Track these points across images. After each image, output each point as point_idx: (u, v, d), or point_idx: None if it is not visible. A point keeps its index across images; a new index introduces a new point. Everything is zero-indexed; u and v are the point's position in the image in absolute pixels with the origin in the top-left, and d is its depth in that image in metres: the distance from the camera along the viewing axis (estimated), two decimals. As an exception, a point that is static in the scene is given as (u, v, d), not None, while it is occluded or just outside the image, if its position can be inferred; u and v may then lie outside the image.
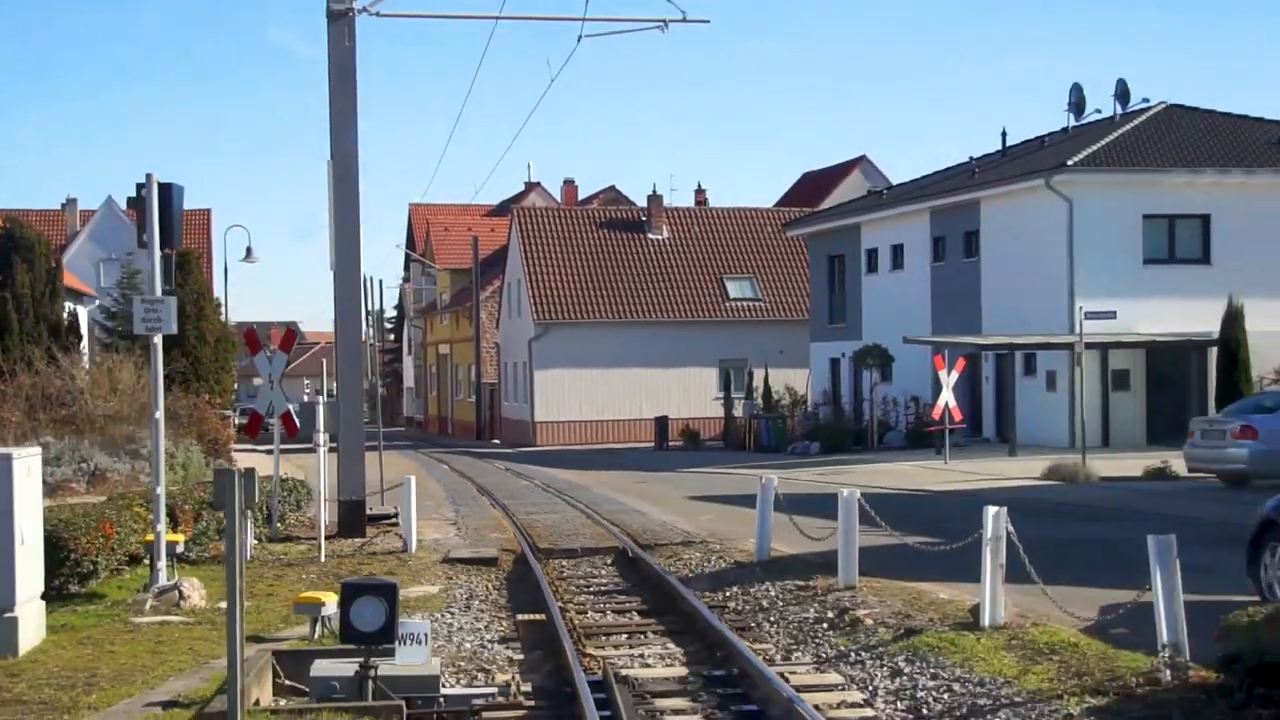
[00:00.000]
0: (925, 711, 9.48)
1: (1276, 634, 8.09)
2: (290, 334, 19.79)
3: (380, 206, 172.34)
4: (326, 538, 18.46)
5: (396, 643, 9.94)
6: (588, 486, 30.20)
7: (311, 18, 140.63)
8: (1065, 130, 43.89)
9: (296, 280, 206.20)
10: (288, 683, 10.52)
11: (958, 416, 33.43)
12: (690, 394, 52.11)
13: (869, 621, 12.28)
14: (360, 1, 19.23)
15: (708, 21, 25.34)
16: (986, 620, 11.42)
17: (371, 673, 9.79)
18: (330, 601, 11.82)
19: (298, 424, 19.06)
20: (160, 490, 14.65)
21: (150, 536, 14.58)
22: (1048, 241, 36.96)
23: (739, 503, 22.84)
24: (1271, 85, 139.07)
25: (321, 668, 10.12)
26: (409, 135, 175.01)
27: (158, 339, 14.91)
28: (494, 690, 10.46)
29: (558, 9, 51.70)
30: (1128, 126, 40.18)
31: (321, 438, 18.17)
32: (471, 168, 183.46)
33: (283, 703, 10.06)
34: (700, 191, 70.16)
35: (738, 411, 47.90)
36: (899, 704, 9.75)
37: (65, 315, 36.18)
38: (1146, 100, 42.53)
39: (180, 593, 13.65)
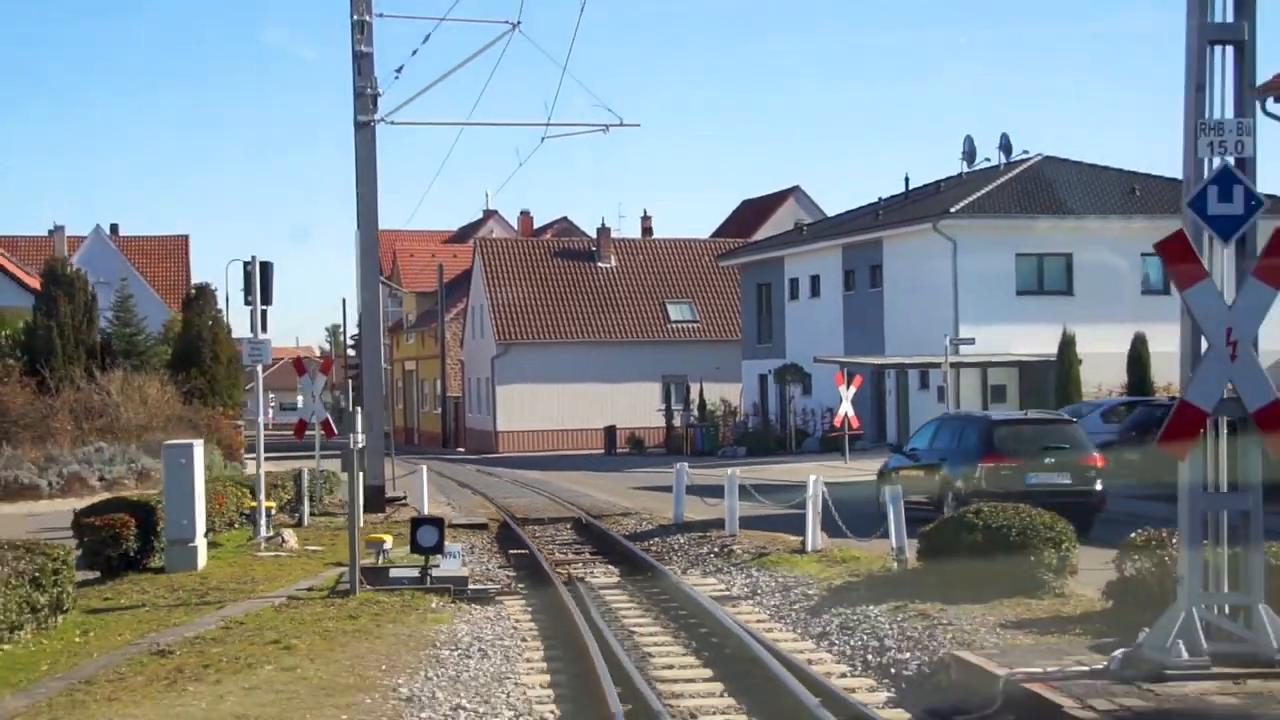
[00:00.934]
0: (759, 590, 16.27)
1: (941, 533, 14.88)
2: (328, 361, 26.46)
3: (346, 230, 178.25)
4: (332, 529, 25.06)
5: (451, 556, 16.68)
6: (548, 482, 36.87)
7: (309, 22, 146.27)
8: (959, 176, 51.00)
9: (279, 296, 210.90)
10: (369, 587, 17.15)
11: (855, 425, 40.31)
12: (636, 406, 58.80)
13: (738, 551, 19.08)
14: (379, 114, 25.91)
15: (638, 125, 32.12)
16: (809, 548, 18.25)
17: (431, 570, 16.48)
18: (387, 540, 18.41)
19: (335, 429, 25.68)
20: (260, 473, 21.27)
21: (251, 504, 21.20)
22: (936, 275, 43.96)
23: (669, 491, 29.54)
24: (1139, 135, 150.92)
25: (396, 573, 16.81)
26: (387, 177, 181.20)
27: (259, 367, 21.50)
28: (501, 585, 17.18)
29: (526, 112, 58.29)
30: (1009, 175, 47.30)
31: (359, 437, 24.76)
32: (441, 204, 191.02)
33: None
34: (646, 218, 77.11)
35: (677, 421, 54.70)
36: (746, 589, 16.52)
37: (99, 340, 42.47)
38: (1026, 152, 49.74)
39: (282, 539, 20.29)
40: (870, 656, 12.20)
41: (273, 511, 21.81)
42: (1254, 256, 9.86)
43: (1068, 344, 38.56)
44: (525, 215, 78.16)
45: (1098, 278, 43.86)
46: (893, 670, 11.66)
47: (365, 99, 25.77)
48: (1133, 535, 12.52)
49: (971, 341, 37.24)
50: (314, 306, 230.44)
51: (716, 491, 24.77)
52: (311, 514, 25.46)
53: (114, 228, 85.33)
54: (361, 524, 23.43)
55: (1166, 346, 34.35)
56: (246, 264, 21.46)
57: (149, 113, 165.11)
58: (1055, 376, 38.79)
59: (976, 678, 10.47)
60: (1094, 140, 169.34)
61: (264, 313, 21.48)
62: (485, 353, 61.58)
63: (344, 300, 36.41)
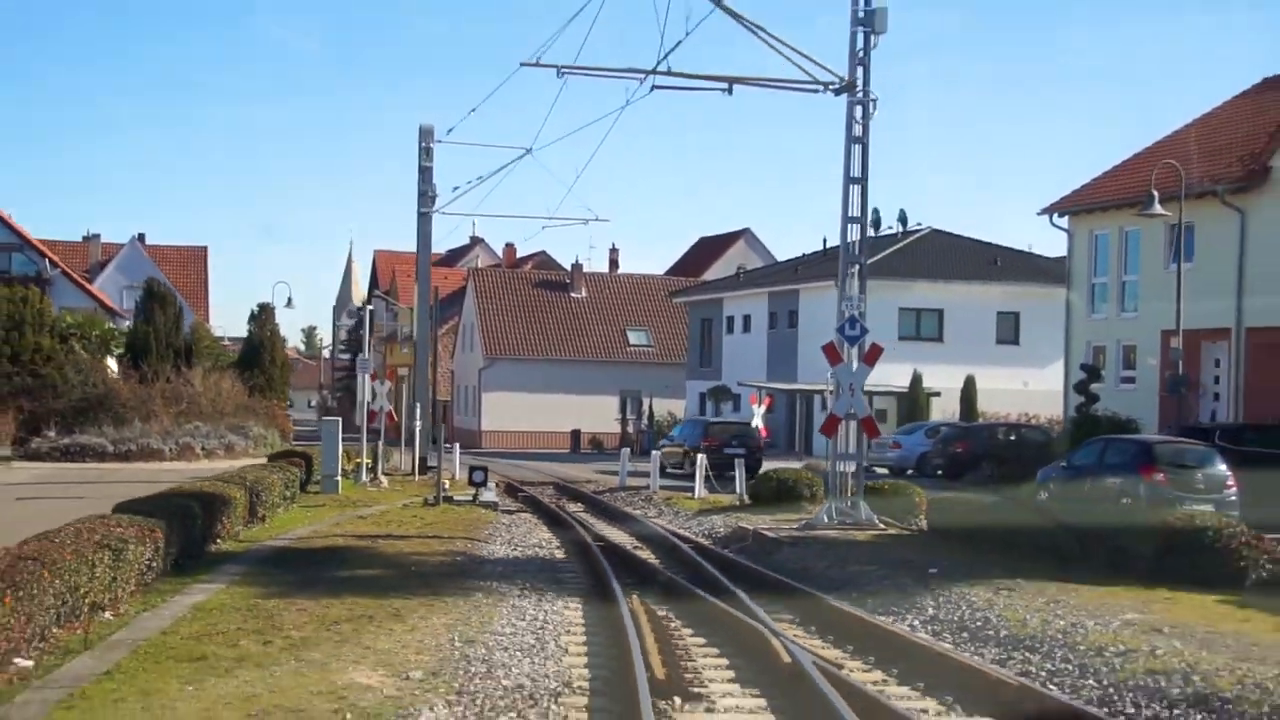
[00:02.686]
0: (662, 513, 29.74)
1: (759, 485, 28.36)
2: (393, 371, 39.66)
3: (337, 245, 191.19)
4: (404, 475, 38.40)
5: (488, 489, 30.19)
6: (530, 466, 50.25)
7: (303, 11, 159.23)
8: (866, 240, 64.52)
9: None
10: (444, 503, 30.50)
11: (765, 434, 53.73)
12: (597, 414, 71.96)
13: (654, 498, 32.60)
14: (437, 206, 39.32)
15: (609, 220, 45.71)
16: (695, 496, 31.78)
17: (478, 496, 29.94)
18: (446, 483, 31.75)
19: (396, 417, 39.01)
20: (364, 443, 34.57)
21: (357, 461, 34.59)
22: (833, 321, 57.46)
23: (616, 472, 43.09)
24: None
25: (458, 497, 30.27)
26: (387, 205, 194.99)
27: (367, 375, 34.83)
28: (518, 507, 30.67)
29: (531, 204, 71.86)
30: (902, 243, 60.95)
31: (417, 424, 38.16)
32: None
33: (447, 506, 30.27)
34: (614, 251, 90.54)
35: (631, 428, 68.06)
36: (654, 512, 29.98)
37: (184, 342, 55.60)
38: (919, 224, 63.51)
39: (380, 481, 33.68)
40: (706, 532, 25.68)
41: (363, 466, 35.18)
42: (864, 352, 23.42)
43: (917, 380, 52.23)
44: (510, 247, 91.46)
45: (962, 328, 57.56)
46: (715, 535, 25.13)
47: (426, 198, 39.20)
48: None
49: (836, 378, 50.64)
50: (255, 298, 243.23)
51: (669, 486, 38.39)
52: (380, 474, 38.87)
53: (141, 236, 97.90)
54: (420, 477, 37.06)
55: (1001, 384, 48.53)
56: (359, 308, 34.68)
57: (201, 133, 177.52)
58: (906, 404, 52.44)
59: (747, 534, 24.00)
60: (974, 213, 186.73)
61: (359, 343, 34.60)
62: (473, 364, 74.90)
63: (368, 312, 45.30)
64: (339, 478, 31.29)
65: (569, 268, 79.74)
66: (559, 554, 21.94)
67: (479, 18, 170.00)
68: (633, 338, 75.29)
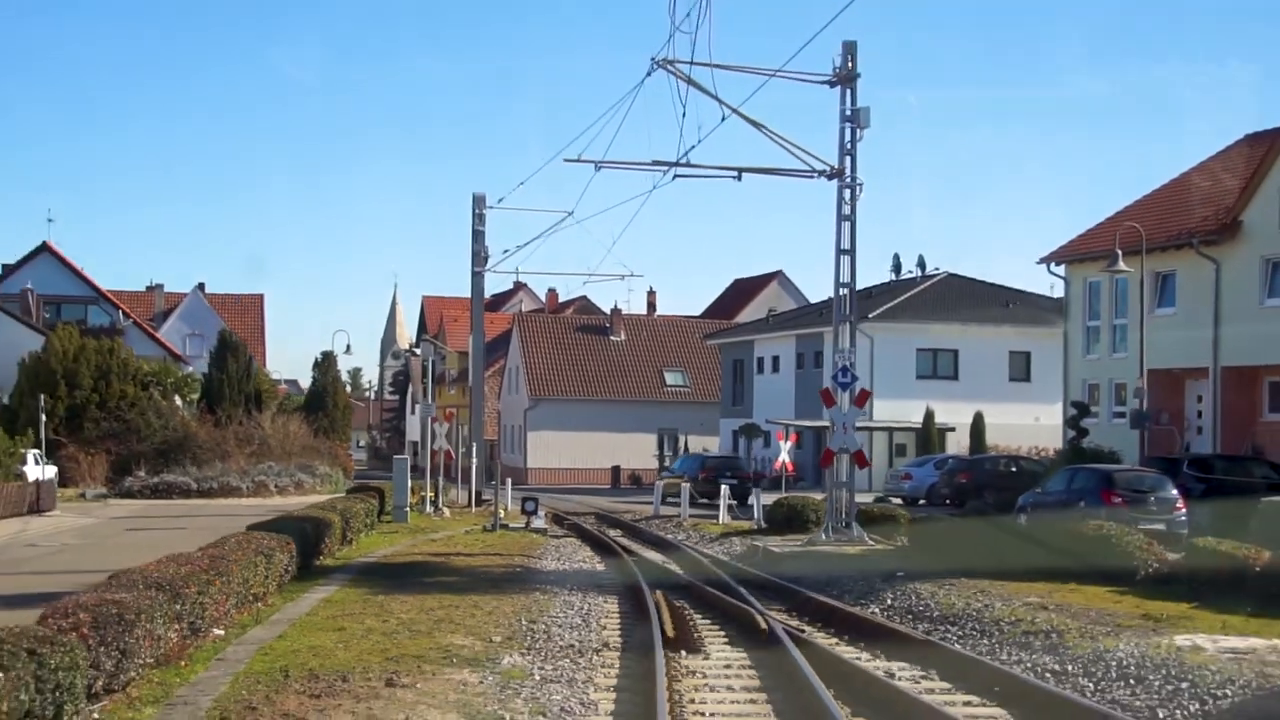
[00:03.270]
0: (690, 535, 34.35)
1: (773, 512, 32.93)
2: (450, 413, 44.51)
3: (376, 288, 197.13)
4: (462, 507, 43.13)
5: (538, 517, 34.91)
6: (573, 499, 54.92)
7: (311, 45, 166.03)
8: (887, 284, 69.19)
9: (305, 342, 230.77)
10: (500, 529, 35.22)
11: (790, 469, 58.19)
12: (637, 451, 76.58)
13: (684, 524, 37.20)
14: (490, 265, 44.18)
15: (642, 276, 50.52)
16: (719, 522, 36.37)
17: (530, 523, 34.66)
18: (502, 512, 36.48)
19: (455, 455, 43.76)
20: (427, 476, 39.33)
21: (422, 494, 39.35)
22: (859, 361, 61.82)
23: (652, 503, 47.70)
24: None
25: (513, 525, 34.99)
26: (431, 251, 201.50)
27: (429, 418, 39.63)
28: (564, 533, 35.36)
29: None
30: (919, 287, 65.48)
31: (473, 462, 42.90)
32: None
33: (502, 532, 35.03)
34: (651, 293, 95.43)
35: (668, 463, 72.62)
36: (682, 535, 34.57)
37: (254, 389, 60.70)
38: (937, 268, 68.02)
39: (442, 512, 38.44)
40: (725, 549, 30.24)
41: (426, 499, 39.94)
42: (854, 396, 28.03)
43: (929, 416, 56.66)
44: (552, 292, 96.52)
45: (976, 367, 61.96)
46: (732, 551, 29.69)
47: (479, 258, 44.07)
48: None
49: (860, 415, 55.20)
50: (301, 341, 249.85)
51: (697, 514, 43.08)
52: (439, 506, 43.63)
53: (201, 285, 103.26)
54: (475, 509, 41.87)
55: (1014, 419, 52.98)
56: (411, 353, 39.52)
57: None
58: (921, 438, 56.84)
59: (758, 550, 28.56)
60: (991, 257, 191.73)
61: (419, 391, 39.39)
62: (519, 405, 79.74)
63: (431, 361, 49.25)
64: (407, 508, 36.04)
65: (608, 312, 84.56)
66: (600, 567, 26.58)
67: (525, 97, 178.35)
68: (669, 378, 79.93)
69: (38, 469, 45.33)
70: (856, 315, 29.81)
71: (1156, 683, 13.12)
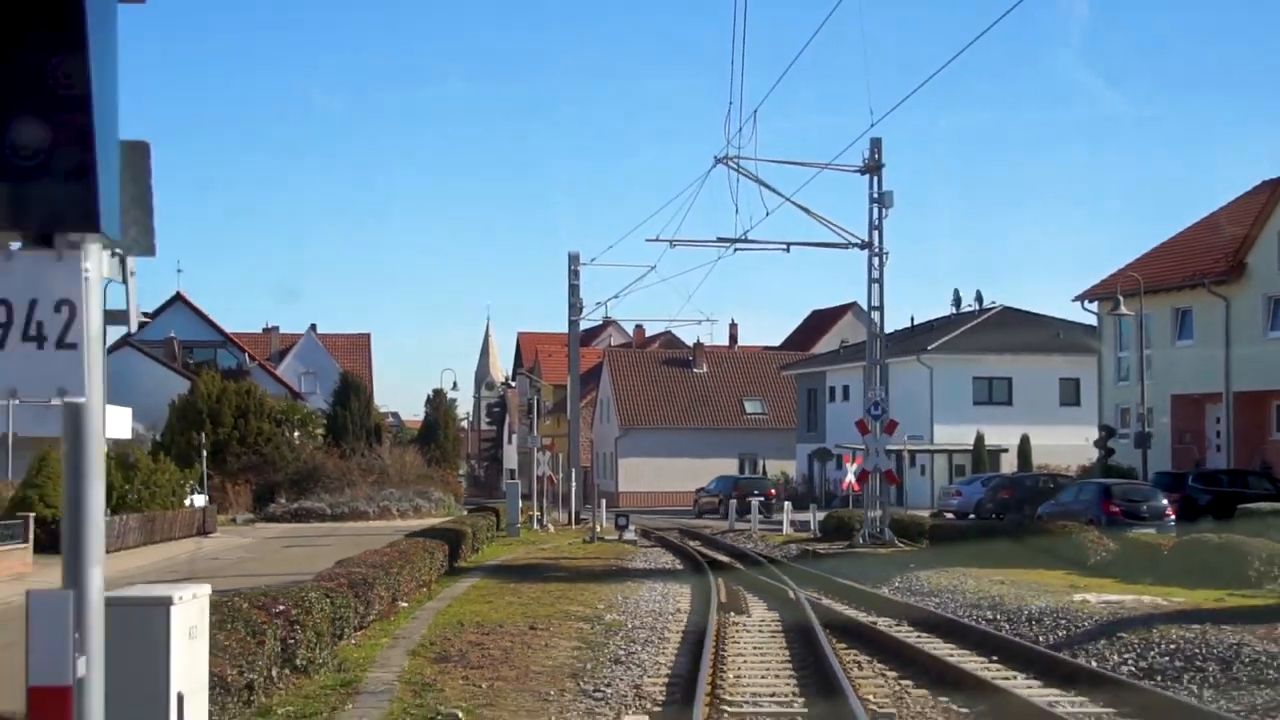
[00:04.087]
0: (757, 544, 40.96)
1: (825, 524, 39.43)
2: (552, 444, 51.42)
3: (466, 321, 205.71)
4: (562, 525, 50.03)
5: (629, 531, 41.76)
6: (660, 519, 61.64)
7: (340, 76, 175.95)
8: (948, 317, 75.35)
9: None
10: (598, 541, 42.06)
11: (856, 489, 64.43)
12: (719, 474, 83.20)
13: (754, 536, 43.82)
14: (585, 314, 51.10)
15: (717, 320, 57.23)
16: (782, 533, 42.95)
17: (622, 536, 41.49)
18: (597, 528, 43.31)
19: (556, 480, 50.68)
20: (533, 500, 46.28)
21: (528, 514, 46.32)
22: (920, 390, 68.24)
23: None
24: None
25: (608, 537, 41.82)
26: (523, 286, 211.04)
27: (536, 449, 46.61)
28: (651, 544, 42.16)
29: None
30: (976, 320, 71.62)
31: (573, 485, 49.83)
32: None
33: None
34: (734, 326, 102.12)
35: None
36: (751, 545, 41.20)
37: (374, 424, 68.19)
38: (993, 302, 74.10)
39: (548, 528, 45.37)
40: (782, 553, 36.81)
41: (533, 518, 46.87)
42: (884, 425, 34.54)
43: (980, 440, 62.77)
44: (639, 328, 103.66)
45: (1028, 393, 67.92)
46: (788, 554, 36.24)
47: (574, 308, 51.02)
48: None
49: (921, 438, 61.57)
50: (394, 374, 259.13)
51: (765, 526, 49.72)
52: (541, 524, 50.56)
53: (314, 326, 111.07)
54: (575, 526, 48.96)
55: (1065, 441, 58.99)
56: (503, 385, 46.53)
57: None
58: (973, 460, 62.96)
59: (807, 553, 35.13)
60: (1039, 288, 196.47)
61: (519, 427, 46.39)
62: (610, 434, 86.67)
63: (536, 398, 54.90)
64: (519, 525, 42.96)
65: (691, 345, 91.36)
66: (679, 566, 33.30)
67: (613, 174, 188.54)
68: (749, 406, 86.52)
69: (198, 498, 52.86)
70: (885, 358, 36.22)
71: (1048, 621, 19.62)
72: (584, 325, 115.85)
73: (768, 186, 33.04)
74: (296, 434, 69.61)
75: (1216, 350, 49.23)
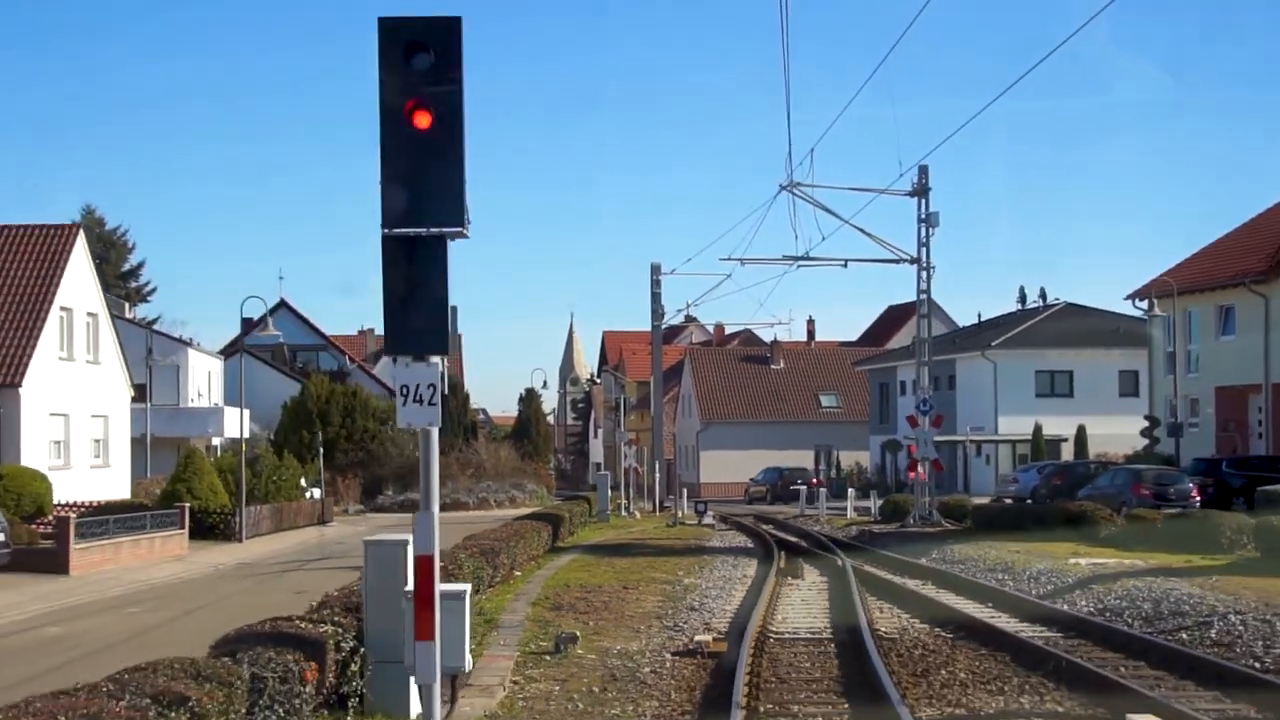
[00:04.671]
0: (821, 526, 45.78)
1: (884, 509, 44.17)
2: (637, 439, 56.51)
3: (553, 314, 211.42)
4: (648, 512, 55.09)
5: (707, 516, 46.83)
6: (738, 506, 66.57)
7: (355, 73, 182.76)
8: (1013, 313, 79.54)
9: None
10: (680, 524, 47.11)
11: (924, 477, 68.99)
12: (796, 465, 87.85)
13: (821, 520, 48.66)
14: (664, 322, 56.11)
15: (790, 321, 62.01)
16: (846, 517, 47.76)
17: (701, 520, 46.52)
18: (679, 514, 48.34)
19: (641, 471, 55.74)
20: (620, 490, 51.42)
21: (616, 502, 51.49)
22: (985, 383, 72.59)
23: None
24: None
25: (688, 522, 46.88)
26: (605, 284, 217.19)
27: (624, 444, 51.74)
28: (727, 528, 47.16)
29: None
30: (1039, 317, 75.77)
31: (657, 476, 54.91)
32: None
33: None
34: (811, 322, 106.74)
35: (821, 476, 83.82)
36: (817, 526, 46.02)
37: (470, 421, 73.68)
38: (1057, 298, 78.24)
39: (634, 514, 50.50)
40: (844, 534, 41.61)
41: (621, 505, 51.99)
42: (931, 420, 39.25)
43: (1038, 430, 67.06)
44: (719, 327, 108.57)
45: (1089, 386, 72.04)
46: (849, 534, 41.05)
47: (657, 315, 56.01)
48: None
49: (982, 429, 65.98)
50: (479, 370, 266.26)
51: (832, 510, 54.56)
52: (629, 511, 55.63)
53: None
54: (659, 513, 54.21)
55: (1123, 430, 63.32)
56: (589, 381, 51.68)
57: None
58: (1032, 449, 67.27)
59: (865, 533, 39.95)
60: (1101, 284, 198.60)
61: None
62: (692, 427, 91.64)
63: (623, 399, 59.91)
64: (609, 512, 48.05)
65: (769, 342, 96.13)
66: (749, 545, 38.23)
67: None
68: (824, 400, 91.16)
69: (315, 491, 58.54)
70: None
71: (1043, 579, 24.38)
72: (666, 323, 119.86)
73: (827, 210, 37.87)
74: (396, 432, 75.24)
75: (1257, 345, 53.23)
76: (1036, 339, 73.36)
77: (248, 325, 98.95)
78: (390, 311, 9.70)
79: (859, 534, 40.01)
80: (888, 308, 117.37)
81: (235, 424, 62.62)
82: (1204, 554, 26.23)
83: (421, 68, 9.63)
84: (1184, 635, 17.17)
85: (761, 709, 13.18)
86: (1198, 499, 41.05)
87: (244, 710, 9.20)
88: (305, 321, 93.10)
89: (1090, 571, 24.37)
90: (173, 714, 8.04)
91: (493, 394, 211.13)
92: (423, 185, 9.61)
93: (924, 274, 39.74)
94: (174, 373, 61.45)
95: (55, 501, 40.47)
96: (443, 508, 54.69)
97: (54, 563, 31.76)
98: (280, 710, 9.97)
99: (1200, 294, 54.42)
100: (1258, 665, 15.03)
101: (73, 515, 36.09)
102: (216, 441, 65.40)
